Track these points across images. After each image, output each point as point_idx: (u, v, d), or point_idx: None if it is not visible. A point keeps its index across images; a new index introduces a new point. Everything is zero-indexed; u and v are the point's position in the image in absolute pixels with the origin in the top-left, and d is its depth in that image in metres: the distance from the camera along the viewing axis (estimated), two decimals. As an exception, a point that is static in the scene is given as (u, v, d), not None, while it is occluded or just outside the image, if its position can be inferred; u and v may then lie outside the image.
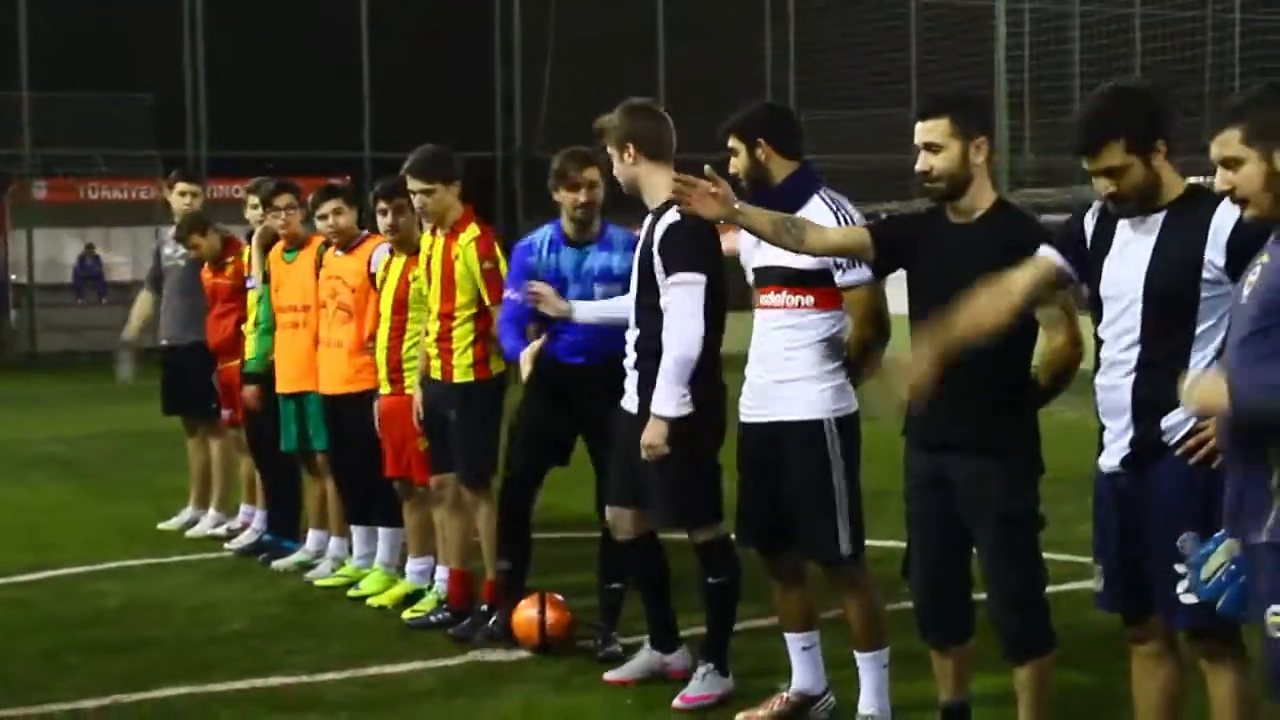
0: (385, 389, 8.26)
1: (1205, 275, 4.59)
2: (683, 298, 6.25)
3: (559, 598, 7.48)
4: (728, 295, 6.46)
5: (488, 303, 7.69)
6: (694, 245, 6.29)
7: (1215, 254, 4.57)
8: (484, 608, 7.78)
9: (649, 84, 38.42)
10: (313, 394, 8.98)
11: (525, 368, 7.35)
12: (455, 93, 35.57)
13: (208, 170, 32.61)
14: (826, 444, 6.00)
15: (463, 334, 7.74)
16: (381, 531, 8.82)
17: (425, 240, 7.96)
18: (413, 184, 7.75)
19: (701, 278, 6.29)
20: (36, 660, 7.49)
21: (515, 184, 37.08)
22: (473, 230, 7.81)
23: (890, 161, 38.46)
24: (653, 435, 6.22)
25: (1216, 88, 35.51)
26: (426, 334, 7.88)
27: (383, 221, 8.24)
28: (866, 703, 6.20)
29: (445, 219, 7.78)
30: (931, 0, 36.66)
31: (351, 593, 8.70)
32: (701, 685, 6.54)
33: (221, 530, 10.44)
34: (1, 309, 33.42)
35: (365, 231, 8.93)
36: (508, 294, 7.47)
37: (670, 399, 6.21)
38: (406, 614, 8.14)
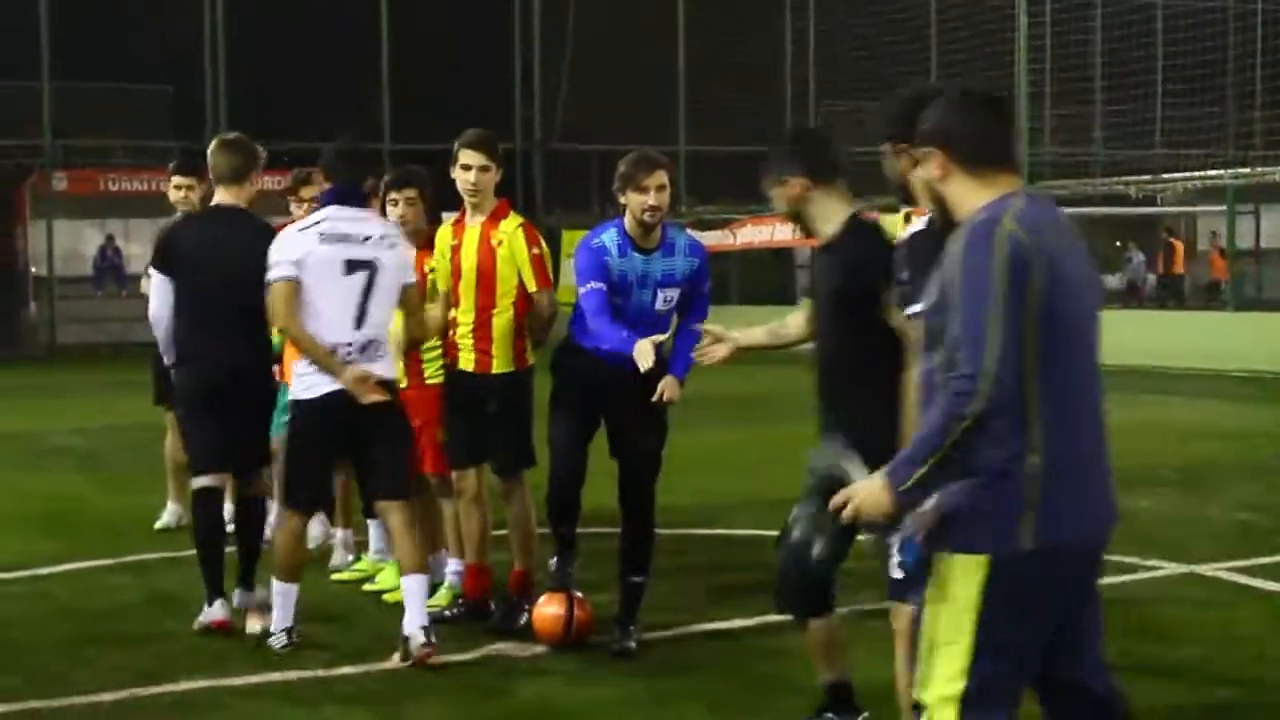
0: (402, 382, 8.23)
1: None
2: None
3: (583, 597, 7.50)
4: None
5: (532, 289, 7.66)
6: None
7: None
8: (514, 598, 7.80)
9: (669, 75, 38.42)
10: None
11: (646, 360, 6.77)
12: (475, 84, 35.57)
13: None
14: None
15: (502, 324, 7.71)
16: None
17: (445, 232, 7.90)
18: (475, 157, 7.69)
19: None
20: (55, 652, 7.53)
21: (535, 175, 37.07)
22: (516, 218, 7.81)
23: (909, 153, 38.49)
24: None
25: (1239, 78, 35.43)
26: (456, 325, 7.84)
27: (393, 212, 8.18)
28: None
29: (486, 203, 7.78)
30: (953, -9, 36.54)
31: (368, 587, 8.73)
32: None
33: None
34: (21, 301, 33.52)
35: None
36: (591, 285, 7.22)
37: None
38: (422, 607, 8.15)
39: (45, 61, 33.69)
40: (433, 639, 7.07)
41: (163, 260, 8.04)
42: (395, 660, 7.10)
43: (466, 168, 7.72)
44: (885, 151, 4.97)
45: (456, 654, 7.33)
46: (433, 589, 8.29)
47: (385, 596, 8.48)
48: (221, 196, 8.03)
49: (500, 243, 7.68)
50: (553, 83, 37.73)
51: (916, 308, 4.68)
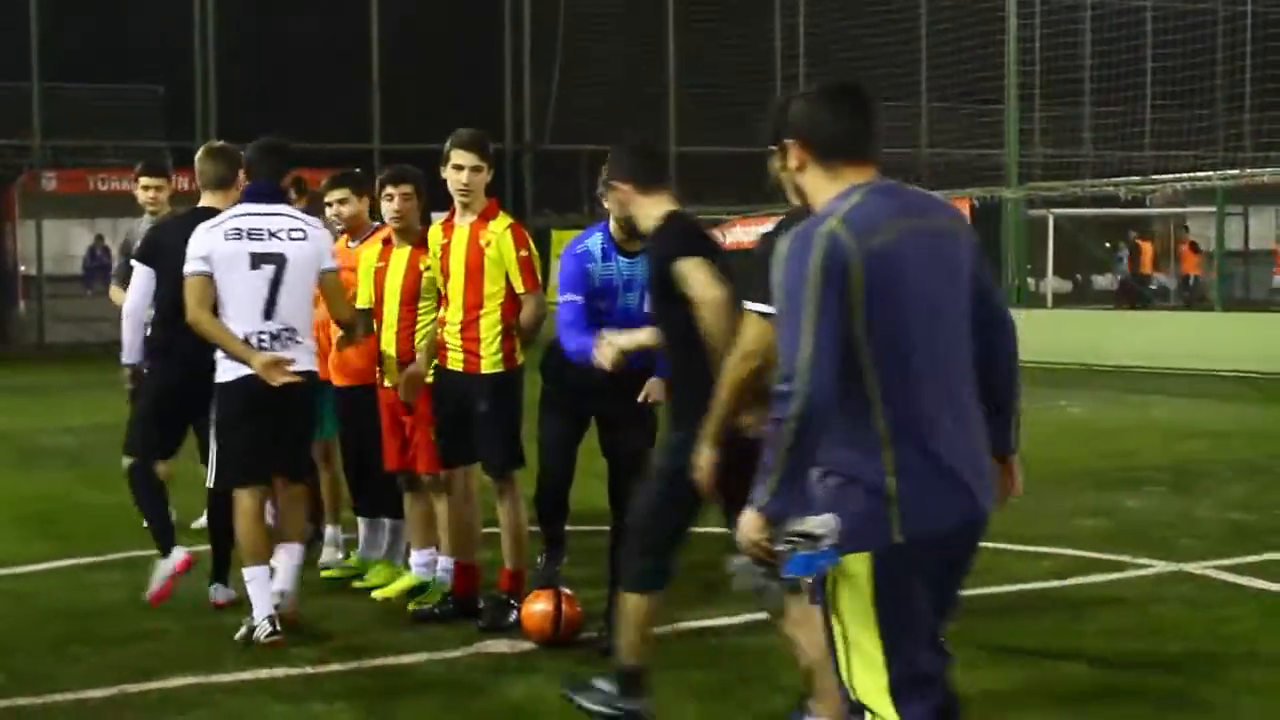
0: (391, 382, 8.23)
1: None
2: None
3: (571, 594, 7.49)
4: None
5: (520, 290, 7.65)
6: None
7: None
8: (505, 597, 7.80)
9: (659, 76, 38.44)
10: (327, 384, 8.84)
11: (606, 356, 6.59)
12: (465, 85, 35.58)
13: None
14: None
15: (490, 324, 7.70)
16: (388, 523, 8.85)
17: (436, 232, 7.89)
18: (465, 158, 7.67)
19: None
20: (43, 650, 7.52)
21: (525, 175, 37.07)
22: (504, 218, 7.80)
23: (899, 154, 38.49)
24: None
25: (1228, 80, 35.47)
26: (445, 324, 7.84)
27: (389, 207, 8.19)
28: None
29: (476, 203, 7.77)
30: (943, -9, 36.59)
31: (356, 584, 8.72)
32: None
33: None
34: (10, 300, 33.49)
35: (376, 223, 8.88)
36: (568, 297, 7.25)
37: None
38: (411, 605, 8.15)
39: (35, 61, 33.65)
40: (286, 604, 7.64)
41: (148, 254, 8.23)
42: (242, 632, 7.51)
43: (459, 168, 7.70)
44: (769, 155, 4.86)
45: (445, 651, 7.33)
46: (423, 587, 8.31)
47: (374, 594, 8.48)
48: (207, 200, 8.23)
49: (489, 243, 7.67)
50: (543, 83, 37.74)
51: (766, 308, 4.76)
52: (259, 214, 7.69)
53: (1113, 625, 7.72)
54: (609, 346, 6.57)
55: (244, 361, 7.51)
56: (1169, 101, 33.24)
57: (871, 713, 4.19)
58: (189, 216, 8.25)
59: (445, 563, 8.21)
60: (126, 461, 8.37)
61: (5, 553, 9.77)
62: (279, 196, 7.93)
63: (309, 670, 7.06)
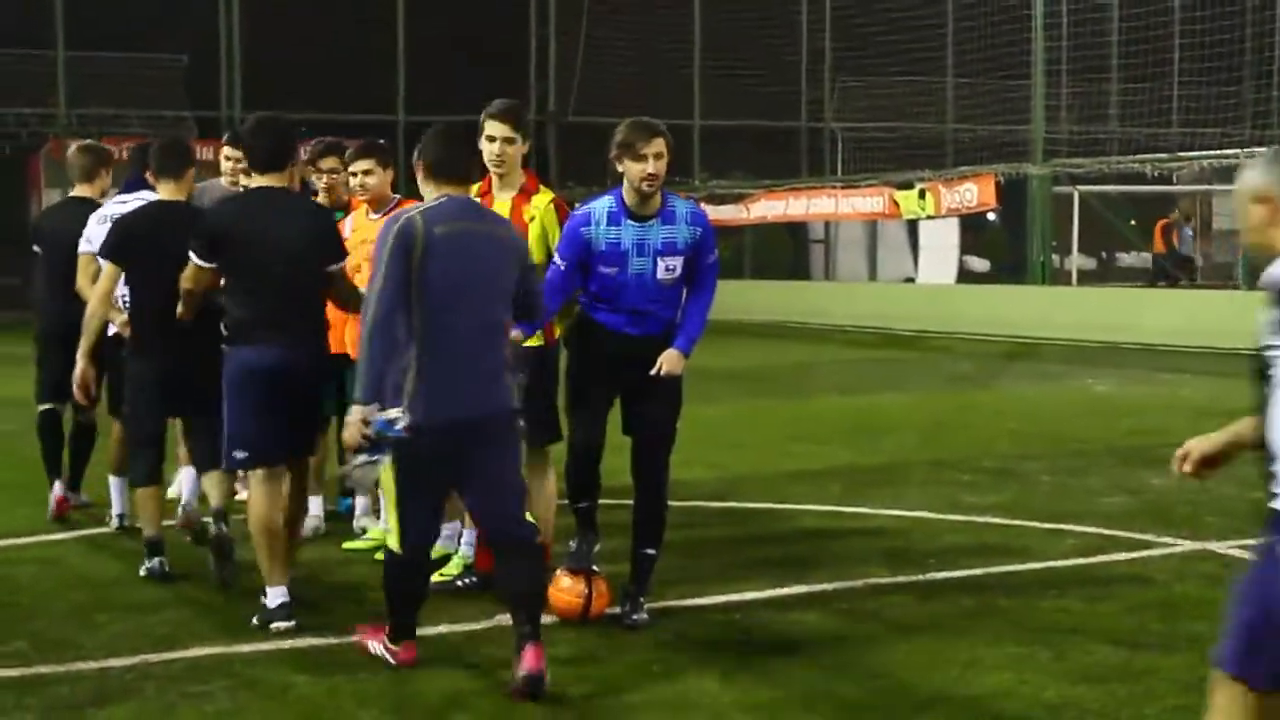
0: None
1: None
2: None
3: (603, 576, 7.47)
4: None
5: (562, 265, 7.62)
6: None
7: None
8: None
9: (684, 48, 38.34)
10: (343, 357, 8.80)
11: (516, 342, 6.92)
12: (490, 56, 35.52)
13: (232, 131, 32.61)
14: None
15: None
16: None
17: None
18: (499, 128, 7.63)
19: None
20: (66, 618, 7.54)
21: (549, 148, 37.03)
22: (547, 193, 7.77)
23: (925, 129, 38.37)
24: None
25: (1257, 57, 35.26)
26: None
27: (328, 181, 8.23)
28: None
29: (512, 175, 7.73)
30: (969, -34, 36.40)
31: (379, 556, 8.70)
32: None
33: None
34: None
35: (398, 196, 8.87)
36: (557, 261, 7.30)
37: None
38: (433, 577, 8.14)
39: (60, 31, 33.69)
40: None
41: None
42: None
43: (492, 139, 7.65)
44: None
45: (467, 624, 7.34)
46: (445, 559, 8.31)
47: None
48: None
49: (533, 218, 7.64)
50: (568, 56, 37.66)
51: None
52: (127, 201, 9.19)
53: (1136, 603, 7.69)
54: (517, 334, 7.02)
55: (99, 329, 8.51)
56: (1196, 78, 33.05)
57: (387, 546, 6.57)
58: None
59: (469, 536, 8.22)
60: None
61: (28, 521, 9.80)
62: (143, 186, 9.36)
63: (331, 641, 7.06)
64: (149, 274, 8.12)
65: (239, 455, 7.42)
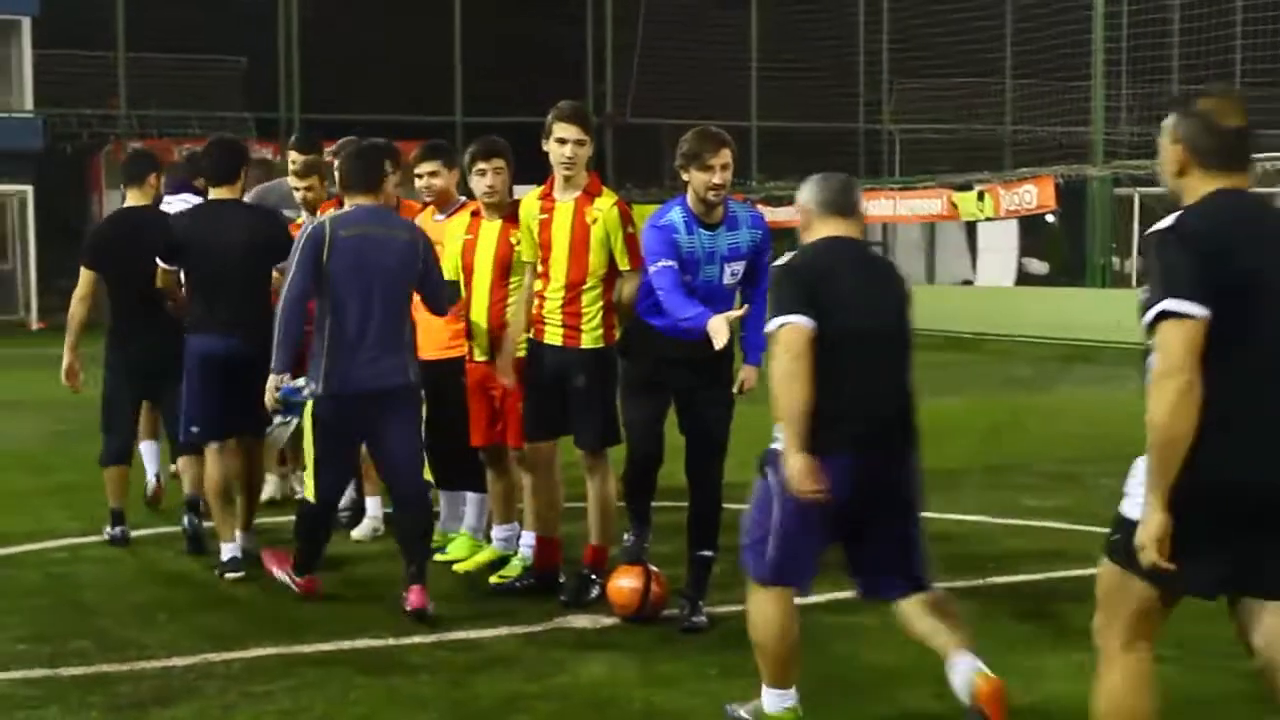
0: (481, 356, 8.22)
1: None
2: None
3: (659, 572, 7.48)
4: None
5: (625, 267, 7.63)
6: None
7: None
8: (588, 572, 7.81)
9: (740, 50, 38.31)
10: None
11: (721, 336, 6.82)
12: (546, 57, 35.57)
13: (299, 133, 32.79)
14: None
15: (593, 299, 7.67)
16: (470, 497, 8.85)
17: (532, 205, 7.81)
18: (571, 130, 7.64)
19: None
20: (128, 617, 7.60)
21: (606, 149, 37.04)
22: (610, 195, 7.77)
23: (983, 130, 38.18)
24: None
25: (1319, 57, 34.90)
26: (543, 299, 7.79)
27: (481, 182, 8.16)
28: None
29: (579, 177, 7.74)
30: (1027, -34, 36.22)
31: (438, 557, 8.73)
32: None
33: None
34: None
35: (463, 198, 8.86)
36: (664, 264, 7.23)
37: None
38: (492, 579, 8.17)
39: (121, 32, 33.95)
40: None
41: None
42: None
43: (562, 141, 7.66)
44: None
45: (526, 625, 7.35)
46: (504, 561, 8.32)
47: (455, 567, 8.51)
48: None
49: (595, 220, 7.64)
50: (625, 57, 37.68)
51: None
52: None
53: (1199, 610, 7.60)
54: (724, 325, 6.78)
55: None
56: (1259, 79, 32.76)
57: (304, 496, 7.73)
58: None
59: (527, 537, 8.21)
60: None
61: (92, 520, 9.86)
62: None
63: (391, 642, 7.09)
64: (121, 275, 9.27)
65: (194, 430, 8.62)
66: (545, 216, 7.73)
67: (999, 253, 34.71)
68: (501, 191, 8.17)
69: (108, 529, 9.33)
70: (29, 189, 32.30)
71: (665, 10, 37.02)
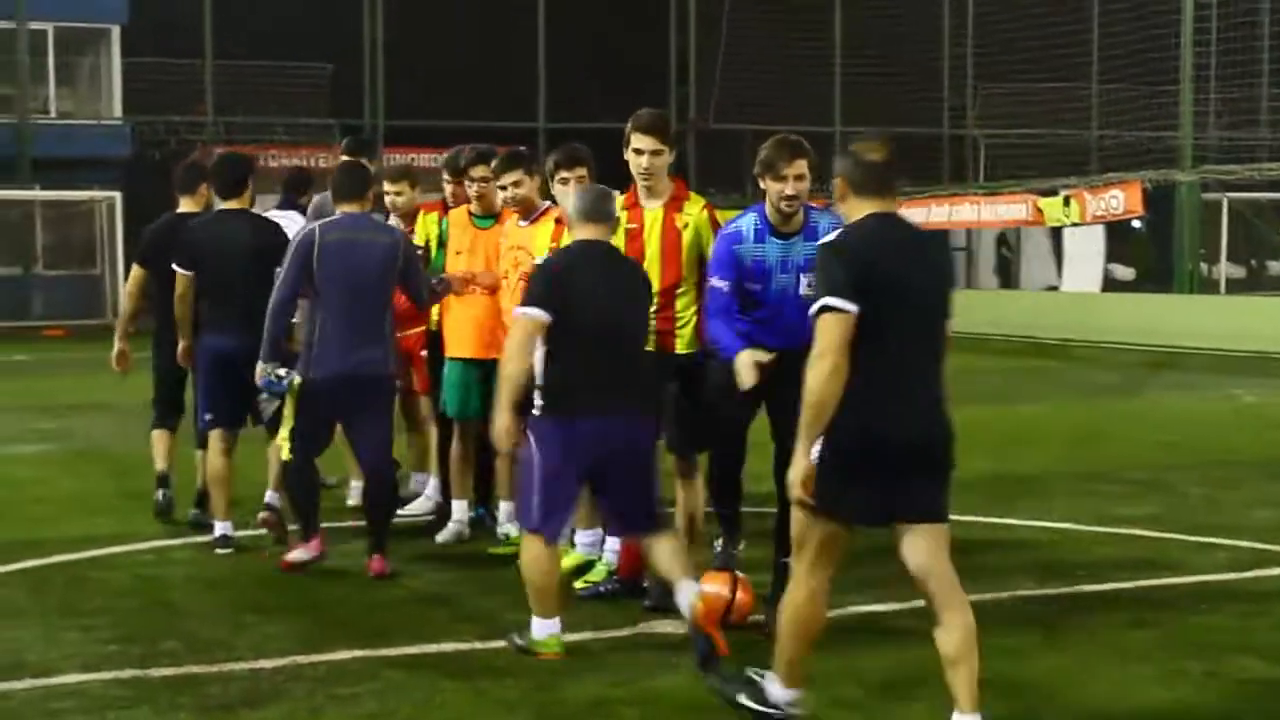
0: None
1: None
2: None
3: (746, 579, 7.45)
4: None
5: None
6: None
7: None
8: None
9: (824, 55, 38.18)
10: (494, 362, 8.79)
11: (749, 377, 6.97)
12: (630, 63, 35.61)
13: (385, 139, 33.06)
14: None
15: (685, 305, 7.69)
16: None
17: (621, 212, 7.81)
18: (648, 141, 7.65)
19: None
20: (216, 618, 7.66)
21: (688, 154, 37.01)
22: (698, 200, 7.79)
23: (1069, 135, 37.85)
24: None
25: None
26: None
27: (563, 191, 8.19)
28: None
29: (659, 186, 7.73)
30: (1114, -30, 35.89)
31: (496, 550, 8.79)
32: None
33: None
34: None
35: (547, 203, 8.86)
36: (715, 283, 7.27)
37: None
38: (577, 584, 8.16)
39: (208, 40, 34.29)
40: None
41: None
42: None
43: (639, 151, 7.67)
44: None
45: (611, 631, 7.34)
46: (589, 566, 8.32)
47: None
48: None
49: (686, 225, 7.66)
50: (707, 62, 37.65)
51: None
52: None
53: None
54: (751, 363, 6.97)
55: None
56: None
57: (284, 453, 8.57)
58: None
59: (612, 542, 8.20)
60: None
61: (178, 523, 9.96)
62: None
63: (477, 645, 7.11)
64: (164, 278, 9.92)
65: (208, 417, 9.43)
66: (634, 226, 7.73)
67: (1085, 258, 34.42)
68: None
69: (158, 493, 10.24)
70: (117, 195, 32.66)
71: (747, 15, 36.96)
